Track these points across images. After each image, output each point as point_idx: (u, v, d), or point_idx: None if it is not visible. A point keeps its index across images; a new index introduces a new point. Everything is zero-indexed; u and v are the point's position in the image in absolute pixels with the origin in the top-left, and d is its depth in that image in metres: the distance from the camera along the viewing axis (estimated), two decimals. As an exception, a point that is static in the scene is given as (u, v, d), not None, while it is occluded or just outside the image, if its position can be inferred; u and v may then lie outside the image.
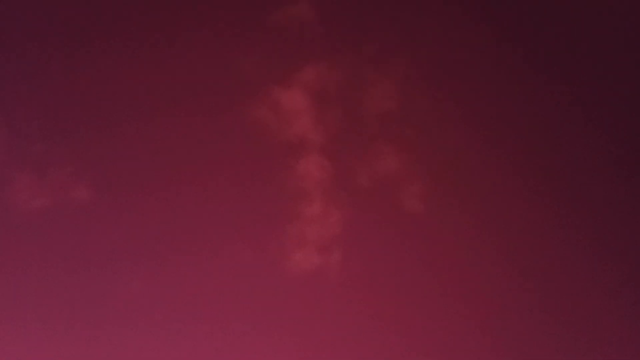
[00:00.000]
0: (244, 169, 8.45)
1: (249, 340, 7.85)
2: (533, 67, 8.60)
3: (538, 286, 8.04)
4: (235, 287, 8.02)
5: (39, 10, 8.74)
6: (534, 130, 8.52)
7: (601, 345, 7.73)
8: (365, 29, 8.77)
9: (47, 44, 8.73)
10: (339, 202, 8.35)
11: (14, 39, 8.71)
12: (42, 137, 8.49)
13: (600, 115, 8.45)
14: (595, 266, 8.05)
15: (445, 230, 8.29)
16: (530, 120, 8.57)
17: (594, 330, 7.82)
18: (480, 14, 8.81)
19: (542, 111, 8.55)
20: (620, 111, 8.47)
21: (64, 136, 8.53)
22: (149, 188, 8.42)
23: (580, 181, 8.34)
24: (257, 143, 8.51)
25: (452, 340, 7.86)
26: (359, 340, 7.90)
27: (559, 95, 8.53)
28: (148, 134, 8.55)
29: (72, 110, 8.63)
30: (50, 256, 8.12)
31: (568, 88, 8.56)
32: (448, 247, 8.23)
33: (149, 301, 7.97)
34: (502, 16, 8.82)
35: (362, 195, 8.37)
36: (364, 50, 8.71)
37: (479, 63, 8.61)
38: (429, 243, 8.26)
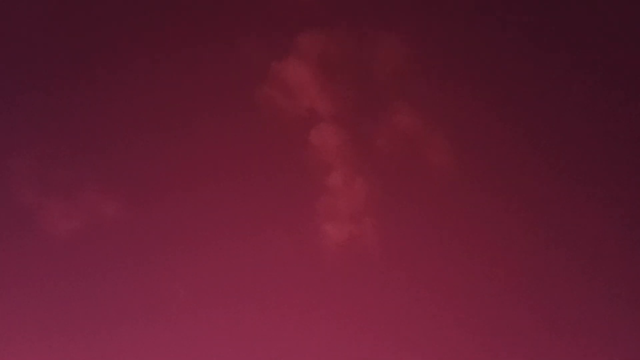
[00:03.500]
0: (262, 151, 8.33)
1: (289, 315, 7.84)
2: (548, 20, 8.21)
3: (569, 240, 7.92)
4: (271, 267, 7.98)
5: (56, 37, 8.69)
6: (553, 80, 8.21)
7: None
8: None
9: (65, 71, 8.67)
10: (361, 168, 8.22)
11: (34, 71, 8.72)
12: (67, 162, 8.54)
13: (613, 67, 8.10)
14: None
15: (472, 180, 8.13)
16: (550, 69, 8.23)
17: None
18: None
19: (563, 59, 8.20)
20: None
21: (88, 159, 8.55)
22: (178, 185, 8.33)
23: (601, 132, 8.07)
24: (270, 122, 8.36)
25: (486, 301, 7.80)
26: (399, 308, 7.88)
27: (572, 46, 8.16)
28: (163, 136, 8.46)
29: (93, 132, 8.53)
30: (84, 276, 8.15)
31: (578, 38, 8.19)
32: (477, 196, 8.08)
33: (189, 294, 8.02)
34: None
35: (383, 157, 8.23)
36: (364, 7, 8.43)
37: (487, 9, 8.23)
38: (457, 194, 8.12)
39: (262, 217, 8.19)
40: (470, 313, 7.77)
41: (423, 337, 7.73)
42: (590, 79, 8.15)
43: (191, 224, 8.22)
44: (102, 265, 8.14)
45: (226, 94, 8.40)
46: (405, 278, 7.98)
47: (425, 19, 8.33)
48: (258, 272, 8.05)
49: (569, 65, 8.17)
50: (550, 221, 7.98)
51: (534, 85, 8.19)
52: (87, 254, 8.16)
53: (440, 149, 8.19)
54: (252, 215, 8.21)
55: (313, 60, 8.33)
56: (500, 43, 8.26)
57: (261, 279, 8.03)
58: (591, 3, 8.18)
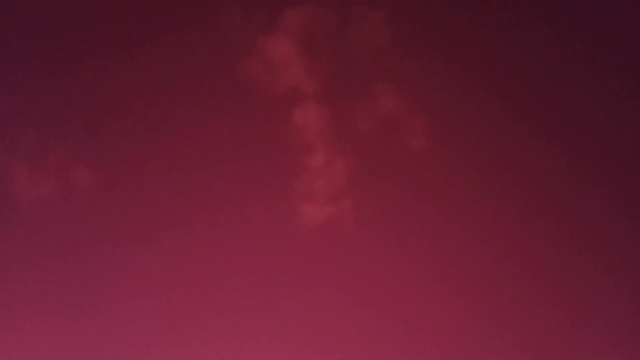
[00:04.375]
0: (242, 128, 8.23)
1: (266, 297, 7.82)
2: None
3: (547, 219, 7.89)
4: (249, 247, 7.94)
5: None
6: (536, 62, 8.16)
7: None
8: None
9: (38, 32, 8.44)
10: (342, 149, 8.13)
11: (6, 30, 8.45)
12: (35, 125, 8.29)
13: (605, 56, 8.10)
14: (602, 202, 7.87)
15: (452, 164, 8.09)
16: (533, 51, 8.18)
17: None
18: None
19: (545, 42, 8.16)
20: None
21: (56, 122, 8.33)
22: (148, 158, 8.24)
23: (586, 116, 8.06)
24: (251, 99, 8.23)
25: (467, 282, 7.78)
26: (375, 289, 7.84)
27: (562, 28, 8.14)
28: (139, 107, 8.32)
29: (63, 95, 8.35)
30: (52, 244, 8.04)
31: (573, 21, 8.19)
32: (457, 180, 8.05)
33: (162, 270, 7.91)
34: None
35: (365, 139, 8.15)
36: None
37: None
38: (438, 178, 8.08)
39: (239, 195, 8.10)
40: (451, 294, 7.75)
41: (400, 319, 7.69)
42: (584, 60, 8.13)
43: (164, 200, 8.08)
44: (64, 234, 7.97)
45: (208, 68, 8.25)
46: (381, 261, 7.96)
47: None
48: (233, 249, 7.99)
49: (560, 48, 8.13)
50: (533, 206, 7.97)
51: (524, 71, 8.15)
52: (51, 221, 7.99)
53: (422, 133, 8.14)
54: (230, 192, 8.12)
55: (299, 37, 8.21)
56: (490, 26, 8.20)
57: (236, 256, 7.96)
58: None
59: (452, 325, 7.66)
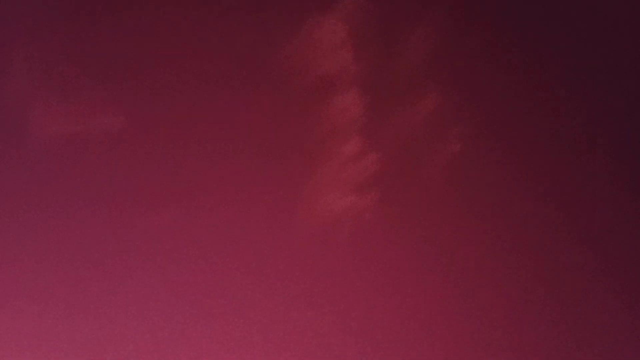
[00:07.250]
0: (281, 104, 8.16)
1: (285, 279, 7.82)
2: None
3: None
4: (270, 227, 7.89)
5: None
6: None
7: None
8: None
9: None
10: (375, 140, 8.09)
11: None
12: (72, 60, 8.18)
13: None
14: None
15: (485, 170, 8.07)
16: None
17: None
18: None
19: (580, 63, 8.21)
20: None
21: (94, 60, 8.22)
22: (180, 118, 8.17)
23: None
24: (294, 76, 8.17)
25: (489, 281, 7.77)
26: (395, 280, 7.81)
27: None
28: (181, 65, 8.24)
29: (106, 33, 8.25)
30: (72, 186, 7.99)
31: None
32: (488, 187, 8.02)
33: (174, 236, 7.85)
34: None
35: (400, 134, 8.11)
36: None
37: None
38: (468, 183, 8.05)
39: (266, 168, 8.05)
40: (452, 313, 7.74)
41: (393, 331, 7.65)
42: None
43: (188, 155, 8.06)
44: (86, 177, 7.93)
45: (258, 34, 8.14)
46: (399, 256, 7.90)
47: (470, 4, 8.22)
48: (251, 223, 7.95)
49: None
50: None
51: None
52: (75, 162, 7.93)
53: (455, 138, 8.11)
54: (255, 164, 8.07)
55: (353, 23, 8.14)
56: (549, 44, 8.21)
57: (254, 231, 7.93)
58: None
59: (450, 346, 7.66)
